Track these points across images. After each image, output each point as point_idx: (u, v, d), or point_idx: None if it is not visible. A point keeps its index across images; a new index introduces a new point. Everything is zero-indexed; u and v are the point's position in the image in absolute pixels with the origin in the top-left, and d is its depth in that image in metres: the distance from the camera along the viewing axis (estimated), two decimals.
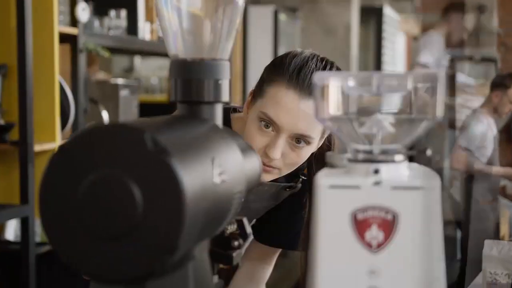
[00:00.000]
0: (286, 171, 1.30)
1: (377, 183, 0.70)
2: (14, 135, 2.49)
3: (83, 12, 2.73)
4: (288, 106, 1.22)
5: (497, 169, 4.51)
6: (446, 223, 4.54)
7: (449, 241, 4.96)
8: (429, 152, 4.78)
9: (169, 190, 0.63)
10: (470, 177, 4.48)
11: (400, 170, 0.72)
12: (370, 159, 0.72)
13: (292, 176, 1.39)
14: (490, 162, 4.50)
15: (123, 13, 3.12)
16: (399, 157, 0.72)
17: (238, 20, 0.87)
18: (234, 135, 0.87)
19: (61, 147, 0.67)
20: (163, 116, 0.79)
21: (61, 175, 0.67)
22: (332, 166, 0.80)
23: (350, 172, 0.73)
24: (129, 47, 3.25)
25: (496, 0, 9.13)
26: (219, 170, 0.73)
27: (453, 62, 4.94)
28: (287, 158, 1.26)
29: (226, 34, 0.86)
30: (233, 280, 1.52)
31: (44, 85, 2.57)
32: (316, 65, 1.26)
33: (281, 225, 1.48)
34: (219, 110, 0.85)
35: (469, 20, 4.57)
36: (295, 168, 1.30)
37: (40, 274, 2.51)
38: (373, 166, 0.71)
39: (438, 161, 4.91)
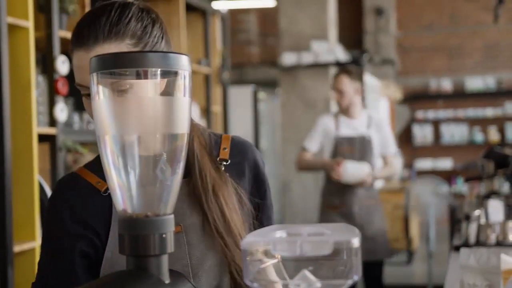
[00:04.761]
0: None
1: None
2: None
3: (61, 112, 2.83)
4: (81, 65, 1.21)
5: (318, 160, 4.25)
6: None
7: None
8: None
9: None
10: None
11: None
12: None
13: None
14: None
15: None
16: None
17: (180, 175, 0.94)
18: (179, 283, 0.93)
19: None
20: (105, 276, 0.85)
21: None
22: None
23: None
24: None
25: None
26: None
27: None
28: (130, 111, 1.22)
29: (169, 189, 0.93)
30: None
31: (24, 185, 2.63)
32: (94, 10, 1.25)
33: None
34: (165, 261, 0.91)
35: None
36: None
37: None
38: None
39: None
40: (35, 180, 2.65)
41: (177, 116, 0.92)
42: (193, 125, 1.33)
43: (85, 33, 1.20)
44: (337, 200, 4.20)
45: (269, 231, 0.85)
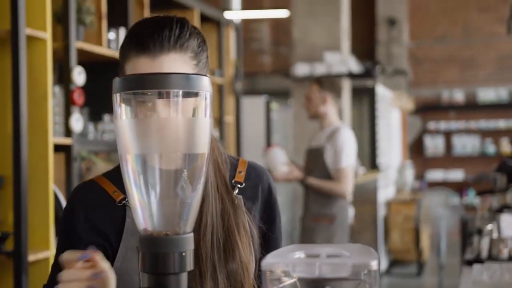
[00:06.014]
0: None
1: None
2: (9, 245, 2.56)
3: (77, 122, 2.86)
4: (146, 71, 1.21)
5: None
6: None
7: None
8: None
9: None
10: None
11: None
12: None
13: None
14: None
15: None
16: None
17: (200, 192, 0.96)
18: None
19: None
20: None
21: None
22: None
23: None
24: None
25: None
26: None
27: None
28: None
29: (189, 207, 0.95)
30: None
31: (39, 195, 2.66)
32: (154, 20, 1.26)
33: None
34: (184, 279, 0.93)
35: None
36: None
37: None
38: None
39: None
40: (51, 190, 2.68)
41: (198, 136, 0.94)
42: (213, 146, 1.34)
43: (149, 41, 1.22)
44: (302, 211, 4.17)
45: (288, 251, 0.86)
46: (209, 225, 1.28)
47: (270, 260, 0.82)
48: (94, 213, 1.28)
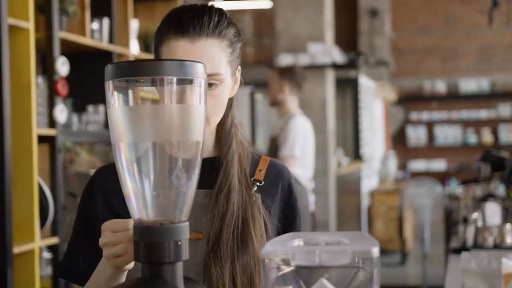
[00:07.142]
0: (214, 120, 1.27)
1: None
2: None
3: (61, 113, 2.82)
4: (184, 54, 1.22)
5: None
6: None
7: None
8: None
9: None
10: None
11: None
12: None
13: None
14: None
15: (101, 108, 3.22)
16: None
17: (195, 181, 0.94)
18: None
19: None
20: (120, 285, 0.85)
21: None
22: None
23: None
24: (107, 141, 3.33)
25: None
26: None
27: None
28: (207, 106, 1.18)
29: (184, 196, 0.93)
30: None
31: (23, 186, 2.63)
32: (193, 6, 1.27)
33: None
34: (179, 268, 0.91)
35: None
36: (222, 113, 1.29)
37: None
38: None
39: None
40: (35, 181, 2.65)
41: (192, 124, 0.92)
42: (238, 141, 1.34)
43: (189, 25, 1.22)
44: None
45: (286, 239, 0.85)
46: (233, 214, 1.27)
47: (269, 248, 0.81)
48: (111, 195, 1.29)
